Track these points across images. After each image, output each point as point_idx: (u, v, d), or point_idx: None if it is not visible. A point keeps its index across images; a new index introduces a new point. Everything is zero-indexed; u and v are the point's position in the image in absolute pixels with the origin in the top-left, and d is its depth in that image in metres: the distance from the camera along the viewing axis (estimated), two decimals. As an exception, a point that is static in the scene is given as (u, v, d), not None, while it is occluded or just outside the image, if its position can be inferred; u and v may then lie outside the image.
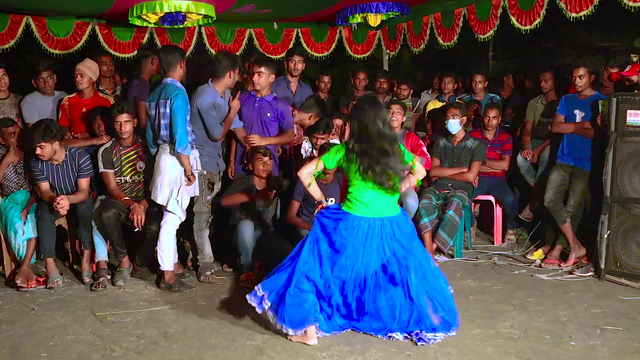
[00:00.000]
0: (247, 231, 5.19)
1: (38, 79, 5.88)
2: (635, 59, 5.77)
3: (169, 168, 4.94)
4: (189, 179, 4.94)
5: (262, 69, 5.57)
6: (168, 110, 4.87)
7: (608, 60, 5.72)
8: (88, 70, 5.76)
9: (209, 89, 5.25)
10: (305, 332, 3.87)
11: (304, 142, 5.93)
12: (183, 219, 5.08)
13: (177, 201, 4.95)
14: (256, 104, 5.65)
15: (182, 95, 4.88)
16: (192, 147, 5.02)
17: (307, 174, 4.10)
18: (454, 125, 5.99)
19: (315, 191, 4.20)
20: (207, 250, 5.31)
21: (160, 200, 5.00)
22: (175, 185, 4.94)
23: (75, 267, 5.64)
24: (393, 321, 3.88)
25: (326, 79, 7.13)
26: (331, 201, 5.62)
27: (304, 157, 5.87)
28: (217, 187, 5.49)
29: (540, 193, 5.83)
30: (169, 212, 4.98)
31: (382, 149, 3.86)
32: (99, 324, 4.31)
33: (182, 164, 4.91)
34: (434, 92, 7.65)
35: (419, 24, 7.53)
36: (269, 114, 5.65)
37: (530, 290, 4.89)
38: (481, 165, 6.12)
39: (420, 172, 4.22)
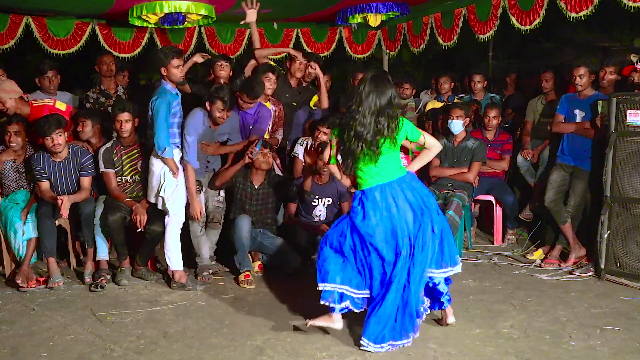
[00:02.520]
0: (244, 226, 5.19)
1: (43, 77, 5.87)
2: (635, 59, 5.79)
3: (154, 167, 4.98)
4: (174, 174, 4.96)
5: (253, 102, 5.49)
6: (150, 112, 4.89)
7: (603, 59, 5.74)
8: (4, 93, 5.41)
9: (199, 113, 5.19)
10: (331, 315, 3.89)
11: (304, 141, 5.93)
12: (182, 218, 5.07)
13: (162, 198, 4.96)
14: (238, 116, 5.58)
15: (162, 99, 4.84)
16: (179, 147, 5.04)
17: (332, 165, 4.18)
18: (457, 126, 5.98)
19: (345, 180, 4.20)
20: (204, 252, 5.31)
21: (152, 199, 5.06)
22: (160, 182, 4.96)
23: (75, 267, 5.64)
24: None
25: (325, 78, 7.11)
26: (328, 201, 5.63)
27: (298, 157, 5.90)
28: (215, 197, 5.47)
29: (541, 193, 5.83)
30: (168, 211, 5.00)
31: (364, 124, 3.76)
32: (99, 324, 4.31)
33: (166, 165, 4.93)
34: (432, 93, 7.66)
35: (419, 24, 7.53)
36: (251, 127, 5.63)
37: (530, 290, 4.89)
38: (481, 165, 6.12)
39: (434, 145, 4.08)
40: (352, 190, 4.08)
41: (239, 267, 5.22)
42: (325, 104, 6.20)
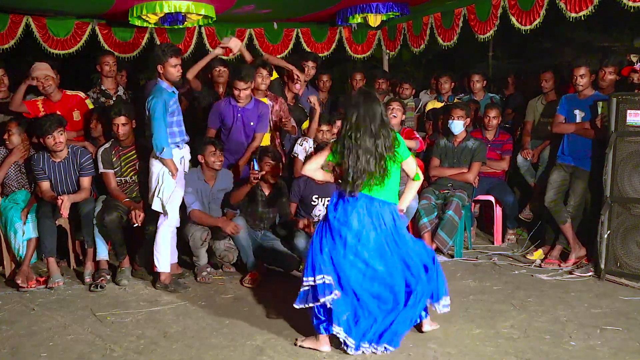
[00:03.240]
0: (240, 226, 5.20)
1: None
2: (635, 59, 5.79)
3: (154, 168, 4.96)
4: (173, 175, 4.92)
5: (248, 85, 5.50)
6: (147, 112, 4.85)
7: (603, 60, 5.74)
8: (49, 71, 5.62)
9: (191, 169, 5.30)
10: (318, 338, 3.84)
11: (303, 142, 5.92)
12: (176, 220, 5.03)
13: (160, 199, 4.93)
14: (238, 114, 5.60)
15: (157, 98, 4.77)
16: (179, 147, 5.00)
17: (312, 170, 3.99)
18: (458, 126, 5.99)
19: (329, 179, 4.14)
20: (202, 254, 5.30)
21: (150, 200, 5.03)
22: (158, 183, 4.92)
23: (75, 267, 5.64)
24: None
25: (325, 77, 7.13)
26: (328, 200, 5.62)
27: (298, 157, 5.89)
28: None
29: (541, 193, 5.83)
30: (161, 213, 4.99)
31: (367, 148, 3.74)
32: (99, 324, 4.31)
33: (165, 165, 4.90)
34: (432, 93, 7.66)
35: (419, 24, 7.54)
36: (252, 123, 5.64)
37: (530, 290, 4.89)
38: (481, 165, 6.12)
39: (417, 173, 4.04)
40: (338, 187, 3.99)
41: (246, 263, 5.24)
42: (313, 134, 6.05)
